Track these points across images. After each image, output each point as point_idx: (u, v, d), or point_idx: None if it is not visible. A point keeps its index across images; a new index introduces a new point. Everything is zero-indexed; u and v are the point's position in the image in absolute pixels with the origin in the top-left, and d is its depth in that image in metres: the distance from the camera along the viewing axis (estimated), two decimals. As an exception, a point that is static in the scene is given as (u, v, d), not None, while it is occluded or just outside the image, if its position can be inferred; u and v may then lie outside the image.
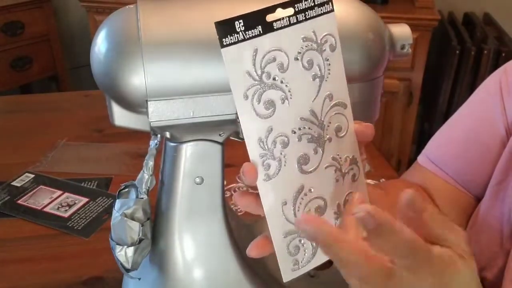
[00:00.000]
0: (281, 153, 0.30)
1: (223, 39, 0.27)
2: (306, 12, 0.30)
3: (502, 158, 0.50)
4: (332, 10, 0.31)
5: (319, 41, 0.31)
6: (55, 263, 0.57)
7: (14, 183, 0.71)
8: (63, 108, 1.00)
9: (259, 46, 0.29)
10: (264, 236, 0.33)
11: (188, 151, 0.41)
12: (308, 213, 0.32)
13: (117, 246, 0.41)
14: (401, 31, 0.42)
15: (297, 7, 0.29)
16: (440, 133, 0.56)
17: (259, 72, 0.29)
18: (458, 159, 0.53)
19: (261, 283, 0.45)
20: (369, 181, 0.74)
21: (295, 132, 0.31)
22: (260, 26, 0.28)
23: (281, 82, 0.30)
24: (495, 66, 1.53)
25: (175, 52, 0.37)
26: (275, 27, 0.29)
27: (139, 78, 0.36)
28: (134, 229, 0.40)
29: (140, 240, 0.41)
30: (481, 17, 1.89)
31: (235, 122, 0.39)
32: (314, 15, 0.30)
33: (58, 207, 0.66)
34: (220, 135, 0.41)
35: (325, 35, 0.31)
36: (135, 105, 0.38)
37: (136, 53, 0.36)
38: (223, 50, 0.28)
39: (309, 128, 0.31)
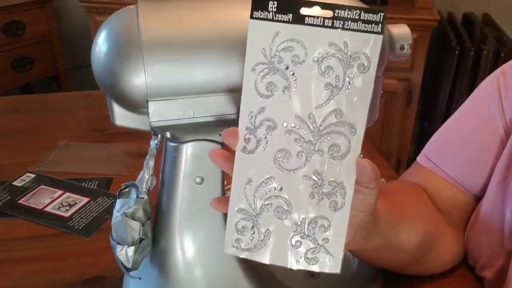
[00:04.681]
0: (265, 137, 0.31)
1: (254, 12, 0.29)
2: (346, 22, 0.29)
3: (502, 158, 0.50)
4: (380, 33, 0.29)
5: (348, 54, 0.30)
6: (56, 263, 0.57)
7: (15, 183, 0.71)
8: (64, 108, 1.00)
9: (282, 31, 0.30)
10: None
11: (188, 151, 0.41)
12: (267, 207, 0.32)
13: (118, 245, 0.41)
14: (401, 31, 0.42)
15: (338, 12, 0.29)
16: (440, 133, 0.57)
17: (272, 53, 0.30)
18: (457, 158, 0.54)
19: (261, 283, 0.45)
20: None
21: (285, 126, 0.31)
22: (291, 15, 0.29)
23: (292, 74, 0.30)
24: (494, 66, 1.53)
25: (176, 52, 0.37)
26: (305, 22, 0.29)
27: (140, 78, 0.36)
28: (135, 229, 0.40)
29: (141, 240, 0.41)
30: (480, 18, 1.89)
31: (235, 122, 0.39)
32: (355, 28, 0.29)
33: (59, 207, 0.66)
34: (220, 135, 0.41)
35: (359, 53, 0.29)
36: (136, 105, 0.38)
37: (137, 54, 0.36)
38: (251, 21, 0.29)
39: (302, 130, 0.31)
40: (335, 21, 0.29)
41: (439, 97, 1.73)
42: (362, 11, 0.29)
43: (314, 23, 0.29)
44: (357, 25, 0.29)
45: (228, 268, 0.44)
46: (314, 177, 0.31)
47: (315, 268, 0.32)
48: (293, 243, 0.32)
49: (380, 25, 0.29)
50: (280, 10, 0.29)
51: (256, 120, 0.31)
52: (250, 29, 0.30)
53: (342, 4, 0.29)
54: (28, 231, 0.62)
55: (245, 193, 0.32)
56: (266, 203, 0.32)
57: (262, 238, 0.32)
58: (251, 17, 0.29)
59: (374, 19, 0.29)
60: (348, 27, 0.29)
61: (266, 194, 0.32)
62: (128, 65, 0.36)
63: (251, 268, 0.45)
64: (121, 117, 0.40)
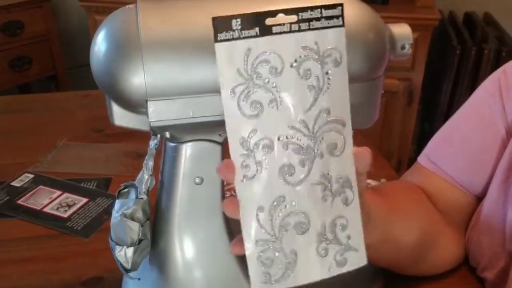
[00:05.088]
0: (263, 158, 0.30)
1: (218, 34, 0.28)
2: (311, 22, 0.29)
3: (503, 158, 0.50)
4: (342, 26, 0.30)
5: (321, 53, 0.30)
6: (54, 264, 0.57)
7: (13, 183, 0.71)
8: (62, 108, 1.00)
9: (253, 46, 0.28)
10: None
11: (188, 151, 0.41)
12: (285, 227, 0.31)
13: (117, 246, 0.41)
14: (402, 30, 0.42)
15: (301, 15, 0.29)
16: (440, 133, 0.56)
17: (249, 71, 0.29)
18: (458, 159, 0.53)
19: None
20: (369, 181, 0.74)
21: (280, 139, 0.30)
22: (258, 28, 0.28)
23: (273, 86, 0.29)
24: (496, 65, 1.53)
25: (175, 52, 0.36)
26: (273, 31, 0.29)
27: (139, 78, 0.36)
28: (134, 230, 0.40)
29: (140, 241, 0.41)
30: (481, 17, 1.89)
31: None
32: (320, 26, 0.29)
33: (58, 207, 0.66)
34: (220, 135, 0.41)
35: (330, 49, 0.30)
36: (135, 105, 0.38)
37: (136, 53, 0.36)
38: (217, 45, 0.28)
39: (297, 139, 0.30)
40: (301, 24, 0.29)
41: (440, 97, 1.73)
42: (322, 9, 0.29)
43: (282, 31, 0.29)
44: (321, 23, 0.29)
45: (228, 269, 0.44)
46: (322, 180, 0.31)
47: (346, 269, 0.32)
48: (320, 252, 0.32)
49: (340, 18, 0.30)
50: (245, 26, 0.28)
51: (250, 144, 0.30)
52: (218, 53, 0.28)
53: (302, 6, 0.29)
54: (27, 231, 0.62)
55: (259, 222, 0.30)
56: (283, 223, 0.31)
57: (289, 260, 0.31)
58: (216, 40, 0.28)
59: (334, 14, 0.30)
60: (314, 27, 0.29)
61: (281, 214, 0.31)
62: (127, 65, 0.36)
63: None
64: (120, 117, 0.40)
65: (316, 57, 0.30)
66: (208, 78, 0.37)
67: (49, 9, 1.94)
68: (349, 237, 0.32)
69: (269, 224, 0.30)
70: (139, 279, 0.43)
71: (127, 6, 0.39)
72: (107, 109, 0.40)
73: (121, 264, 0.41)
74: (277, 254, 0.31)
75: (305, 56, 0.30)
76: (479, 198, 0.53)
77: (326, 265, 0.32)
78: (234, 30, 0.28)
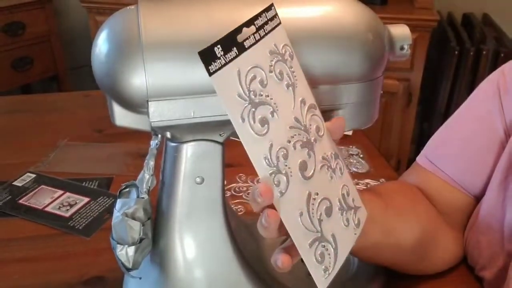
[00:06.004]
0: (285, 166, 0.31)
1: (209, 67, 0.28)
2: (264, 27, 0.32)
3: (502, 158, 0.50)
4: (280, 23, 0.33)
5: (281, 52, 0.32)
6: (56, 263, 0.57)
7: (15, 183, 0.71)
8: (64, 108, 1.00)
9: (239, 66, 0.30)
10: (282, 249, 0.33)
11: (188, 151, 0.41)
12: (321, 218, 0.33)
13: (118, 245, 0.41)
14: (400, 31, 0.42)
15: (256, 24, 0.31)
16: (439, 134, 0.57)
17: (246, 91, 0.30)
18: (457, 159, 0.54)
19: (261, 282, 0.45)
20: (369, 181, 0.74)
21: (290, 142, 0.32)
22: (235, 48, 0.30)
23: (266, 96, 0.31)
24: (494, 66, 1.53)
25: (176, 52, 0.37)
26: (246, 46, 0.30)
27: (140, 78, 0.36)
28: (135, 229, 0.41)
29: (141, 240, 0.41)
30: (480, 18, 1.90)
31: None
32: (270, 29, 0.32)
33: (59, 207, 0.66)
34: (220, 135, 0.41)
35: (283, 46, 0.33)
36: (136, 105, 0.38)
37: (137, 54, 0.36)
38: (212, 77, 0.28)
39: (298, 135, 0.32)
40: (259, 32, 0.31)
41: (438, 97, 1.74)
42: (264, 12, 0.32)
43: (252, 43, 0.31)
44: (269, 26, 0.32)
45: (228, 268, 0.44)
46: (324, 162, 0.34)
47: (361, 227, 0.37)
48: (345, 223, 0.35)
49: (277, 16, 0.33)
50: (226, 49, 0.29)
51: (272, 159, 0.31)
52: (216, 85, 0.28)
53: (253, 16, 0.31)
54: (29, 231, 0.62)
55: (304, 226, 0.32)
56: (318, 216, 0.33)
57: (334, 245, 0.34)
58: (210, 73, 0.28)
59: (273, 14, 0.32)
60: (268, 30, 0.32)
61: (314, 209, 0.33)
62: (128, 66, 0.36)
63: (251, 268, 0.45)
64: (121, 117, 0.40)
65: (280, 57, 0.32)
66: (209, 78, 0.37)
67: (51, 10, 1.95)
68: (353, 200, 0.36)
69: (310, 223, 0.32)
70: (140, 278, 0.44)
71: (128, 7, 0.39)
72: (108, 109, 0.40)
73: (122, 263, 0.41)
74: (324, 245, 0.33)
75: (274, 59, 0.32)
76: (478, 199, 0.54)
77: (351, 231, 0.36)
78: (219, 57, 0.28)
